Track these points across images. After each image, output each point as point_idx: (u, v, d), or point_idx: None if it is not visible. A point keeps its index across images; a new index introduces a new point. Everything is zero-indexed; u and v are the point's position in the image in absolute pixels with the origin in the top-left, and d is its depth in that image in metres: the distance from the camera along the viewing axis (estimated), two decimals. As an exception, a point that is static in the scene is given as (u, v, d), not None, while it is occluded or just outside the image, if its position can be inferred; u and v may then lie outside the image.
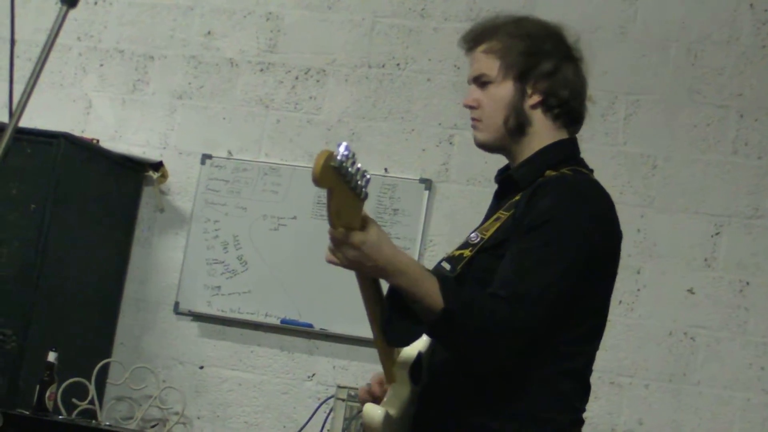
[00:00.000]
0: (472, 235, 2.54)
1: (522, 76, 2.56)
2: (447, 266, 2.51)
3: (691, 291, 4.75)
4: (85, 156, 5.05)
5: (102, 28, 5.55)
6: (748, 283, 4.71)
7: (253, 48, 5.37)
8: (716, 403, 4.67)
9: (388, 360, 2.47)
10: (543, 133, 2.58)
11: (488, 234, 2.49)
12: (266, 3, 5.38)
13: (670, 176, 4.83)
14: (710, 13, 4.88)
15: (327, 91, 5.25)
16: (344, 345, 5.01)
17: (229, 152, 5.27)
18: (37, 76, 2.45)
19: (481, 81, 2.60)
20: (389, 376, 2.48)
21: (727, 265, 4.73)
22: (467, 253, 2.50)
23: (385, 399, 2.47)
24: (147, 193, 5.37)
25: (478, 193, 4.92)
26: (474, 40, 2.63)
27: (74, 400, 4.80)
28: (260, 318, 5.11)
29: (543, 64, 2.56)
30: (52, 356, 4.62)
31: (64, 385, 4.70)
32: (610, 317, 2.57)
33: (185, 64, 5.43)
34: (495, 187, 2.68)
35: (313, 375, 5.07)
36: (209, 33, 5.43)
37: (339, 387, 4.69)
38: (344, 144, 2.09)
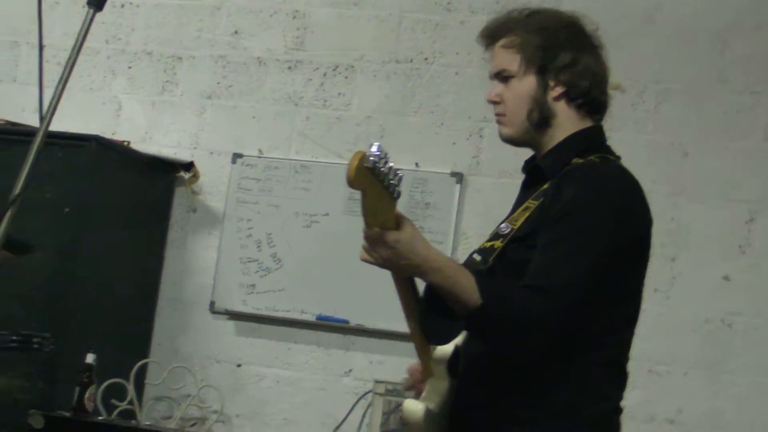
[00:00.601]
0: (503, 225, 2.55)
1: (542, 70, 2.57)
2: (478, 258, 2.52)
3: (726, 278, 4.73)
4: (116, 158, 5.07)
5: (129, 31, 5.57)
6: (784, 269, 4.69)
7: (280, 46, 5.38)
8: (756, 390, 4.65)
9: (425, 355, 2.48)
10: (567, 123, 2.59)
11: (518, 224, 2.50)
12: (292, 1, 5.39)
13: (702, 164, 4.81)
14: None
15: (355, 88, 5.26)
16: (380, 340, 5.01)
17: (260, 151, 5.28)
18: (66, 80, 2.48)
19: (502, 76, 2.61)
20: (427, 371, 2.49)
21: (763, 251, 4.70)
22: (498, 244, 2.51)
23: (423, 394, 2.49)
24: (179, 194, 5.39)
25: (509, 186, 4.83)
26: (491, 36, 2.63)
27: (113, 401, 4.80)
28: (296, 315, 5.12)
29: (561, 56, 2.56)
30: (90, 358, 4.64)
31: (103, 386, 4.72)
32: (645, 306, 2.56)
33: (213, 64, 5.45)
34: (526, 178, 2.68)
35: (350, 370, 5.08)
36: (236, 32, 5.44)
37: (376, 382, 4.70)
38: (376, 144, 2.11)
